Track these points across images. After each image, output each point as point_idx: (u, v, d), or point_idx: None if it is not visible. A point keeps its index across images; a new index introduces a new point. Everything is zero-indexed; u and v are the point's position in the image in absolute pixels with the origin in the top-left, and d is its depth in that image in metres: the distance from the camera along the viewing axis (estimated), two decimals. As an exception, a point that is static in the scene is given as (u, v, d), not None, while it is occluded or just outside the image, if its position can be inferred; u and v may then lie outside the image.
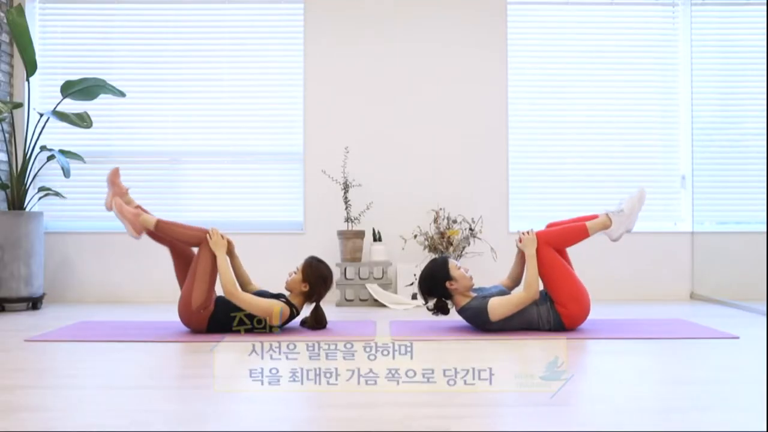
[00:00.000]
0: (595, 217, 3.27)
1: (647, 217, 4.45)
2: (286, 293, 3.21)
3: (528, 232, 3.20)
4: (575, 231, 3.21)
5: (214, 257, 3.06)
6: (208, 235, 3.08)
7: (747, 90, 4.83)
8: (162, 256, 3.41)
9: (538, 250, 3.13)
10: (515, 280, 3.36)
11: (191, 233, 3.11)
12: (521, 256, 3.30)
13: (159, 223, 3.12)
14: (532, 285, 3.09)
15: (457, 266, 3.14)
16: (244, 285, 3.28)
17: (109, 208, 3.24)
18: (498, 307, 3.06)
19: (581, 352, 2.74)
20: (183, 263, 3.21)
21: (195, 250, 3.16)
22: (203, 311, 3.06)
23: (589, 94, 4.87)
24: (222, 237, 3.11)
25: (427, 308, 3.24)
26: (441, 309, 3.19)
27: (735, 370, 2.40)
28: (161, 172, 4.85)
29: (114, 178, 3.28)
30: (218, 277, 3.09)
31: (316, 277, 3.15)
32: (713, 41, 4.92)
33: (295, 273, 3.18)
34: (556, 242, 3.18)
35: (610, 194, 4.83)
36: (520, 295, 3.10)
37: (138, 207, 3.27)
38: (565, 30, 4.88)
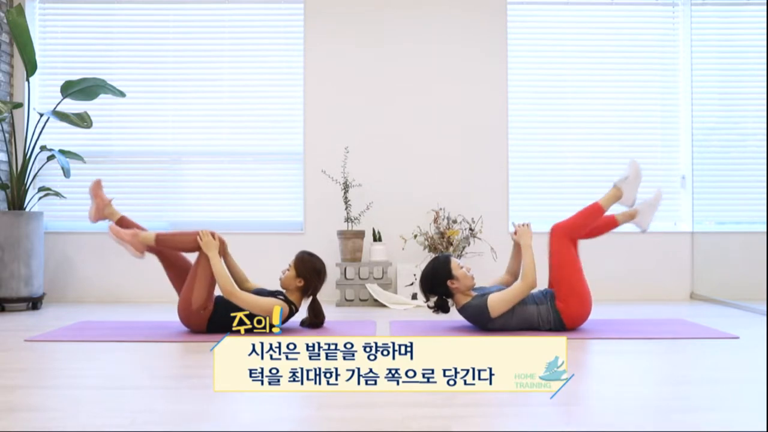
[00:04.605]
0: None
1: (647, 217, 4.45)
2: (283, 291, 3.21)
3: (524, 225, 3.22)
4: (589, 211, 3.25)
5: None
6: (198, 236, 3.09)
7: (747, 90, 4.83)
8: (162, 256, 3.41)
9: (552, 242, 3.19)
10: (513, 274, 3.36)
11: (190, 239, 3.12)
12: (517, 249, 3.31)
13: (158, 237, 3.14)
14: (528, 274, 3.08)
15: (459, 265, 3.15)
16: (241, 283, 3.28)
17: (94, 221, 3.33)
18: (497, 302, 3.06)
19: (581, 352, 2.74)
20: (176, 273, 3.23)
21: (189, 256, 3.20)
22: (203, 312, 3.07)
23: (589, 94, 4.87)
24: (214, 237, 3.11)
25: (428, 306, 3.24)
26: (442, 307, 3.19)
27: (735, 370, 2.40)
28: (161, 172, 4.84)
29: (97, 189, 3.32)
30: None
31: (309, 271, 3.15)
32: (713, 41, 4.92)
33: (287, 270, 3.18)
34: (573, 229, 3.20)
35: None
36: (517, 286, 3.10)
37: (135, 225, 3.29)
38: (565, 30, 4.88)
